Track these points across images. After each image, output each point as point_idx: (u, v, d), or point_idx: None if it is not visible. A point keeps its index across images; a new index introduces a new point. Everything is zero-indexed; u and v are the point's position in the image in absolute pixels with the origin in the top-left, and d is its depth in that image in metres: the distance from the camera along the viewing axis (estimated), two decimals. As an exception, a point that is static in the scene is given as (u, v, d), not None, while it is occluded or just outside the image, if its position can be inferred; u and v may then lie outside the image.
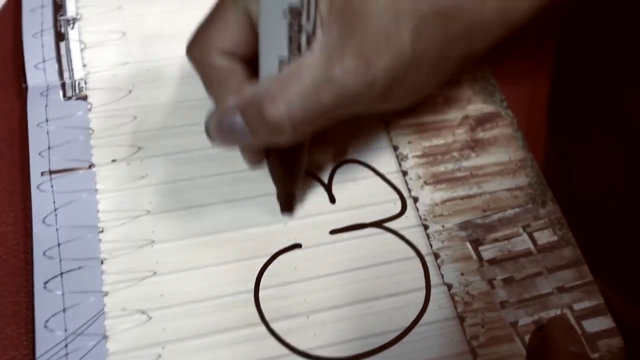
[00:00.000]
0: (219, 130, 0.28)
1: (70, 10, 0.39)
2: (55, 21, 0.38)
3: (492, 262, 0.33)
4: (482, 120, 0.37)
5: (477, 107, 0.38)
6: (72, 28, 0.38)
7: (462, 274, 0.32)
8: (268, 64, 0.27)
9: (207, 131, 0.29)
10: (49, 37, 0.38)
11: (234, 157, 0.34)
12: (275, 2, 0.25)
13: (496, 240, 0.34)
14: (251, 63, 0.28)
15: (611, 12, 0.46)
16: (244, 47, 0.28)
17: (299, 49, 0.26)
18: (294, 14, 0.25)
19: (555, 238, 0.34)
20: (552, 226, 0.34)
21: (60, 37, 0.38)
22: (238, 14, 0.28)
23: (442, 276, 0.32)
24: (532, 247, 0.33)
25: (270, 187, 0.33)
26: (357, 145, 0.36)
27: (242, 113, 0.28)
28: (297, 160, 0.31)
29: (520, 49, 0.41)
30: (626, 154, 0.44)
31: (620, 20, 0.45)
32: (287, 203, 0.33)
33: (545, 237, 0.34)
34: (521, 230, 0.34)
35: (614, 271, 0.41)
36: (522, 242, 0.34)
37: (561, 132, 0.49)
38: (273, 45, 0.26)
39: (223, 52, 0.28)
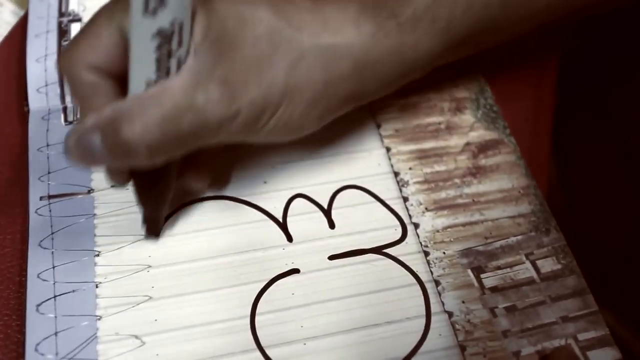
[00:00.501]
0: (76, 148, 0.27)
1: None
2: (59, 46, 0.39)
3: (494, 290, 0.32)
4: (484, 147, 0.37)
5: (479, 133, 0.38)
6: (76, 54, 0.39)
7: (464, 302, 0.32)
8: (136, 84, 0.26)
9: (66, 148, 0.27)
10: (52, 61, 0.38)
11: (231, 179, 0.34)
12: (145, 24, 0.24)
13: (498, 268, 0.33)
14: (122, 81, 0.27)
15: (612, 43, 0.46)
16: (115, 64, 0.27)
17: (167, 73, 0.26)
18: (164, 37, 0.24)
19: (559, 266, 0.33)
20: (556, 254, 0.33)
21: (63, 62, 0.38)
22: (110, 30, 0.26)
23: (443, 304, 0.32)
24: (535, 275, 0.33)
25: (269, 212, 0.33)
26: (357, 170, 0.36)
27: (101, 132, 0.26)
28: (163, 185, 0.30)
29: (523, 77, 0.41)
30: (631, 185, 0.44)
31: (621, 52, 0.45)
32: (152, 227, 0.32)
33: (548, 265, 0.33)
34: (524, 258, 0.33)
35: (620, 302, 0.40)
36: (525, 270, 0.33)
37: (564, 161, 0.49)
38: (141, 66, 0.25)
39: (90, 67, 0.27)
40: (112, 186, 0.33)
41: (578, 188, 0.49)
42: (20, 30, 0.40)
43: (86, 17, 0.40)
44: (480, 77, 0.40)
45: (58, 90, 0.37)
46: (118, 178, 0.30)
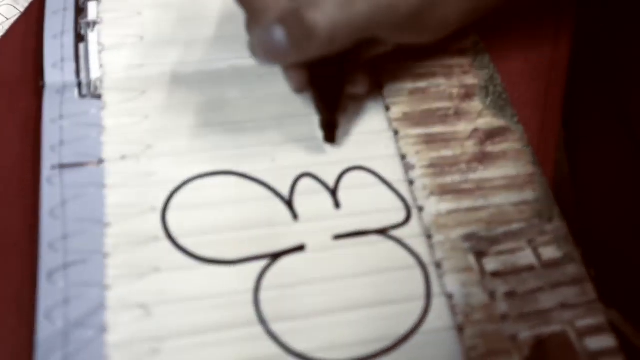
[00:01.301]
0: (261, 45, 0.31)
1: (92, 14, 0.40)
2: (76, 24, 0.39)
3: (495, 275, 0.33)
4: (491, 134, 0.37)
5: (487, 120, 0.38)
6: (92, 31, 0.39)
7: (464, 285, 0.32)
8: None
9: (251, 48, 0.31)
10: (69, 38, 0.39)
11: (240, 157, 0.35)
12: None
13: (500, 253, 0.33)
14: None
15: (626, 33, 0.46)
16: None
17: None
18: None
19: (560, 254, 0.33)
20: (558, 242, 0.34)
21: (80, 38, 0.39)
22: None
23: (444, 286, 0.32)
24: (535, 262, 0.33)
25: (275, 189, 0.33)
26: (364, 152, 0.36)
27: (283, 24, 0.30)
28: (337, 88, 0.34)
29: (533, 63, 0.42)
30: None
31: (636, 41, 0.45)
32: (329, 131, 0.35)
33: (549, 252, 0.33)
34: (526, 244, 0.34)
35: (626, 300, 0.40)
36: (526, 257, 0.33)
37: (574, 154, 0.49)
38: None
39: None
40: (294, 91, 0.35)
41: (587, 182, 0.49)
42: (37, 6, 0.41)
43: (102, -5, 0.41)
44: (490, 64, 0.40)
45: (73, 66, 0.38)
46: (298, 82, 0.34)
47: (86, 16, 0.40)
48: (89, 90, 0.37)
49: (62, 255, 0.32)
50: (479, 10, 0.35)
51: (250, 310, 0.31)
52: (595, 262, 0.35)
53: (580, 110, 0.49)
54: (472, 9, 0.34)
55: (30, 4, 0.42)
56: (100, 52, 0.39)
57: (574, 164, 0.51)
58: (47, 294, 0.31)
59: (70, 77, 0.37)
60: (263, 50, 0.31)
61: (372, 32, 0.32)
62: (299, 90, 0.34)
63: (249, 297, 0.31)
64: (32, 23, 0.40)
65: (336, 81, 0.33)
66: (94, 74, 0.38)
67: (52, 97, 0.36)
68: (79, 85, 0.37)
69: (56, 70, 0.37)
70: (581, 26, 0.45)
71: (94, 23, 0.40)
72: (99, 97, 0.37)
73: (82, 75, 0.37)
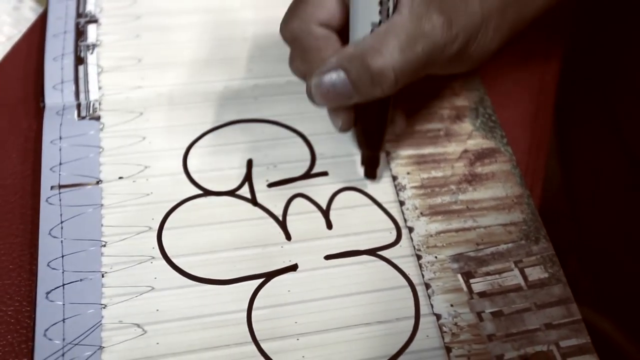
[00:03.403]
0: (320, 88, 0.32)
1: (91, 37, 0.41)
2: (76, 46, 0.40)
3: (482, 295, 0.33)
4: (481, 155, 0.38)
5: (477, 142, 0.39)
6: (92, 53, 0.40)
7: (452, 305, 0.33)
8: (361, 28, 0.32)
9: (309, 93, 0.33)
10: (69, 60, 0.40)
11: (234, 178, 0.35)
12: None
13: (487, 274, 0.34)
14: (341, 33, 0.33)
15: (615, 47, 0.47)
16: (337, 19, 0.33)
17: (387, 15, 0.32)
18: None
19: (546, 275, 0.34)
20: (544, 263, 0.35)
21: (79, 61, 0.40)
22: None
23: (432, 306, 0.33)
24: (522, 282, 0.34)
25: (269, 210, 0.34)
26: (356, 173, 0.37)
27: (345, 69, 0.32)
28: (382, 125, 0.35)
29: (523, 83, 0.43)
30: (637, 193, 0.44)
31: (625, 56, 0.46)
32: (372, 168, 0.36)
33: (536, 273, 0.34)
34: (513, 265, 0.34)
35: (621, 309, 0.41)
36: (513, 277, 0.34)
37: (568, 166, 0.50)
38: (365, 12, 0.32)
39: (320, 23, 0.33)
40: (340, 131, 0.36)
41: (581, 194, 0.50)
42: (39, 27, 0.42)
43: (102, 18, 0.42)
44: (480, 87, 0.41)
45: (73, 88, 0.39)
46: (345, 121, 0.35)
47: (86, 39, 0.41)
48: (88, 112, 0.38)
49: (61, 274, 0.32)
50: (513, 33, 0.37)
51: (243, 329, 0.32)
52: (592, 271, 0.35)
53: (573, 122, 0.50)
54: (507, 35, 0.36)
55: (32, 26, 0.43)
56: (99, 74, 0.40)
57: (568, 175, 0.51)
58: (46, 313, 0.31)
59: (70, 99, 0.38)
60: (322, 93, 0.32)
61: (428, 71, 0.34)
62: (345, 129, 0.35)
63: (243, 316, 0.32)
64: (33, 45, 0.42)
65: (381, 119, 0.35)
66: (93, 95, 0.38)
67: (52, 119, 0.37)
68: (79, 107, 0.38)
69: (56, 92, 0.38)
70: (574, 40, 0.46)
71: (94, 46, 0.41)
72: (97, 118, 0.38)
73: (82, 96, 0.38)
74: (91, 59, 0.40)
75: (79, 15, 0.42)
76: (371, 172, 0.37)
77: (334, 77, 0.32)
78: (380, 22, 0.32)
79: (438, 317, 0.33)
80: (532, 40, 0.44)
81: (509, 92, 0.42)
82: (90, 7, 0.42)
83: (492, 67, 0.42)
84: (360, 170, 0.37)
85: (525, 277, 0.34)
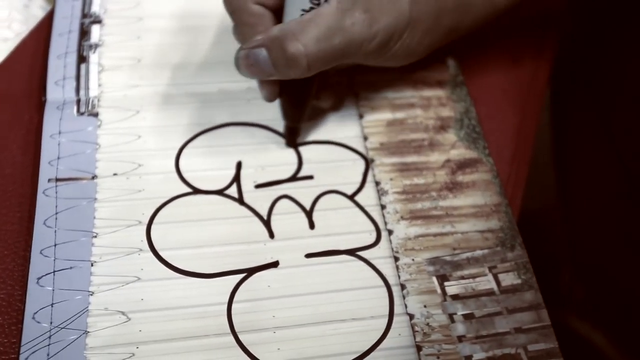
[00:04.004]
0: (246, 60, 0.34)
1: (95, 37, 0.43)
2: (80, 45, 0.42)
3: (455, 297, 0.35)
4: (463, 165, 0.40)
5: (460, 152, 0.40)
6: (94, 52, 0.42)
7: (425, 306, 0.34)
8: (292, 12, 0.35)
9: (236, 62, 0.35)
10: (72, 58, 0.41)
11: (224, 178, 0.37)
12: None
13: (462, 277, 0.35)
14: (276, 13, 0.36)
15: (606, 53, 0.47)
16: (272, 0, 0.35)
17: (318, 3, 0.34)
18: None
19: (519, 281, 0.35)
20: (518, 270, 0.36)
21: (82, 59, 0.42)
22: None
23: (406, 306, 0.34)
24: (495, 287, 0.35)
25: (255, 209, 0.36)
26: (341, 177, 0.39)
27: (267, 48, 0.34)
28: (305, 102, 0.38)
29: (509, 99, 0.44)
30: (631, 201, 0.45)
31: (616, 63, 0.46)
32: (291, 138, 0.39)
33: (509, 279, 0.35)
34: (487, 270, 0.36)
35: (615, 323, 0.41)
36: (487, 282, 0.35)
37: (563, 175, 0.50)
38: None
39: (256, 1, 0.35)
40: (266, 100, 0.38)
41: (576, 203, 0.50)
42: (46, 26, 0.44)
43: (107, 19, 0.44)
44: (467, 97, 0.42)
45: (74, 84, 0.40)
46: (270, 94, 0.37)
47: (89, 39, 0.43)
48: (87, 108, 0.39)
49: (52, 261, 0.34)
50: (450, 38, 0.39)
51: (223, 321, 0.33)
52: (586, 281, 0.36)
53: (568, 131, 0.51)
54: (441, 40, 0.38)
55: (39, 24, 0.45)
56: (100, 72, 0.41)
57: (563, 184, 0.52)
58: (36, 297, 0.33)
59: (70, 94, 0.40)
60: (246, 65, 0.35)
61: (345, 61, 0.36)
62: (269, 99, 0.38)
63: (223, 308, 0.34)
64: (40, 42, 0.43)
65: (303, 95, 0.38)
66: (93, 92, 0.40)
67: (53, 113, 0.39)
68: (78, 102, 0.40)
69: (58, 88, 0.40)
70: (566, 48, 0.47)
71: (96, 45, 0.42)
72: (95, 115, 0.39)
73: (82, 93, 0.40)
74: (93, 57, 0.42)
75: (84, 15, 0.44)
76: (291, 140, 0.40)
77: (257, 53, 0.34)
78: (310, 9, 0.34)
79: (411, 316, 0.34)
80: (521, 51, 0.46)
81: (495, 103, 0.43)
82: (95, 8, 0.44)
83: (480, 78, 0.43)
84: (345, 175, 0.39)
85: (498, 282, 0.35)
